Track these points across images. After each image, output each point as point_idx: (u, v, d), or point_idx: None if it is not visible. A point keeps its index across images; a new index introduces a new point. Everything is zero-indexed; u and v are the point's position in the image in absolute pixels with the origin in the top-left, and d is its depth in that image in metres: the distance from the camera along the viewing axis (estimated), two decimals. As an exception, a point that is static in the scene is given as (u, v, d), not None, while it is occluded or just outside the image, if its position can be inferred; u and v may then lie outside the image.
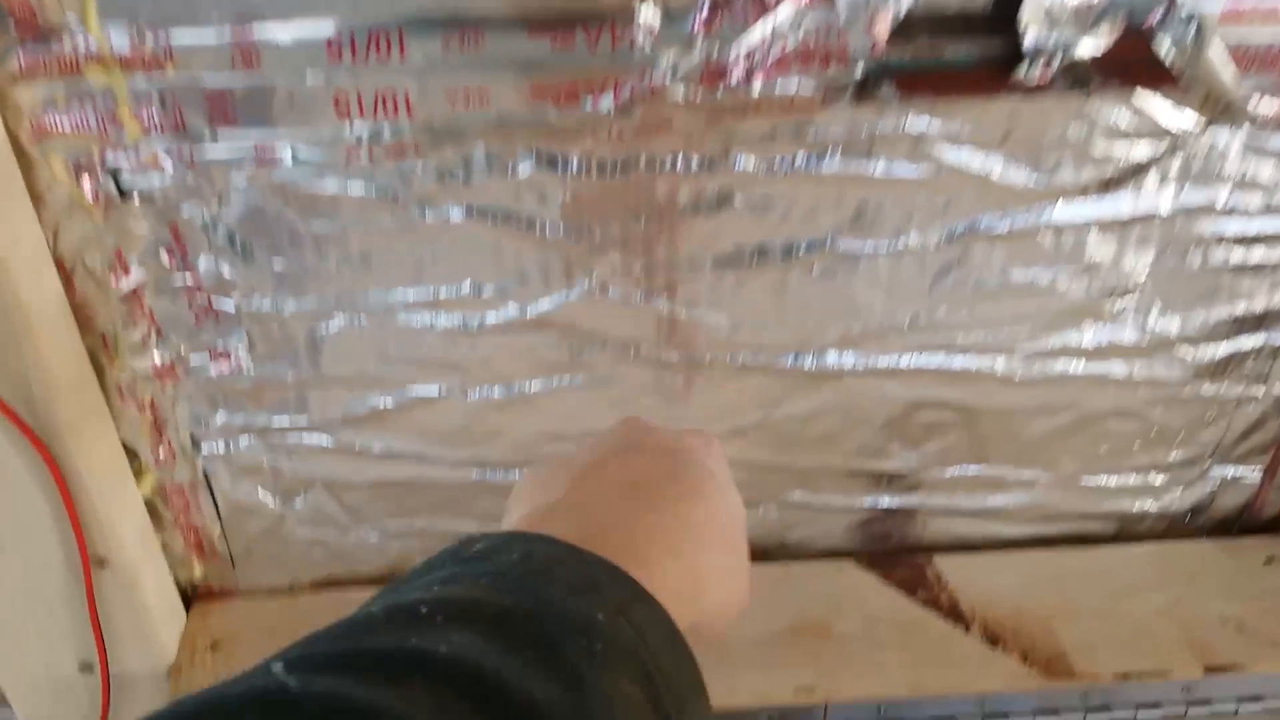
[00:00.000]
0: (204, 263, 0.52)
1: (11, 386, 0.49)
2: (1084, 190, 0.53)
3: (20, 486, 0.52)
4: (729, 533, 0.36)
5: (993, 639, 0.63)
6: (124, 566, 0.57)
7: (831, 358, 0.58)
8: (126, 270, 0.52)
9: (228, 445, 0.60)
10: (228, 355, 0.56)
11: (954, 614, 0.64)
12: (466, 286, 0.54)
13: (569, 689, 0.24)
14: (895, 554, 0.69)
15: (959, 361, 0.59)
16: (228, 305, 0.54)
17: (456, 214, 0.51)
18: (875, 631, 0.64)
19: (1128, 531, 0.69)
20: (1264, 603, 0.65)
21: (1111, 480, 0.66)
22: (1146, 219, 0.54)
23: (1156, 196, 0.53)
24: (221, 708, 0.22)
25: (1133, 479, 0.66)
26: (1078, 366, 0.60)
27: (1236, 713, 0.62)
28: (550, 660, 0.25)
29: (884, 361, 0.58)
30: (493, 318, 0.55)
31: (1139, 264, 0.56)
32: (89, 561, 0.56)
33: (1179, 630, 0.63)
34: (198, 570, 0.66)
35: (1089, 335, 0.58)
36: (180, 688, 0.62)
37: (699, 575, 0.33)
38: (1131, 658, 0.62)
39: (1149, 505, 0.68)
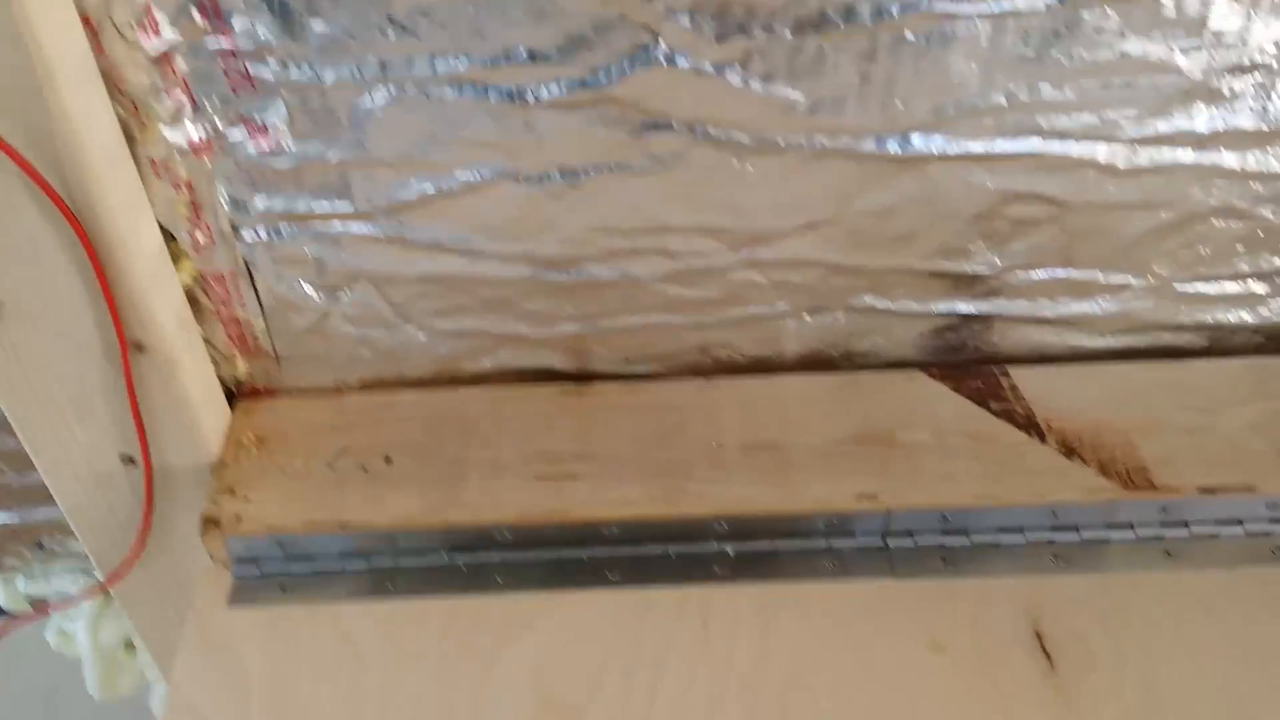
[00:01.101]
0: (239, 22, 0.48)
1: (39, 151, 0.46)
2: (1216, -54, 0.47)
3: (53, 261, 0.50)
4: None
5: (1069, 451, 0.60)
6: (163, 353, 0.55)
7: (918, 141, 0.53)
8: (156, 29, 0.47)
9: (269, 232, 0.57)
10: (266, 130, 0.52)
11: (1029, 426, 0.61)
12: (522, 52, 0.49)
13: None
14: (969, 365, 0.65)
15: (1058, 147, 0.54)
16: (265, 73, 0.50)
17: (512, -36, 0.46)
18: (944, 441, 0.61)
19: (1220, 346, 0.65)
20: (1362, 420, 0.61)
21: (1208, 288, 0.61)
22: (1282, -17, 0.48)
23: (1297, -44, 0.47)
24: None
25: (1231, 287, 0.62)
26: (1186, 156, 0.54)
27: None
28: None
29: (976, 146, 0.53)
30: (548, 92, 0.51)
31: (1267, 36, 0.50)
32: (127, 346, 0.54)
33: (1270, 446, 0.60)
34: (241, 367, 0.64)
35: (1202, 119, 0.53)
36: (224, 484, 0.60)
37: None
38: (1216, 472, 0.58)
39: (1246, 317, 0.63)
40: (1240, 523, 0.58)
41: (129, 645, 0.83)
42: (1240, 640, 0.55)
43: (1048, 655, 0.54)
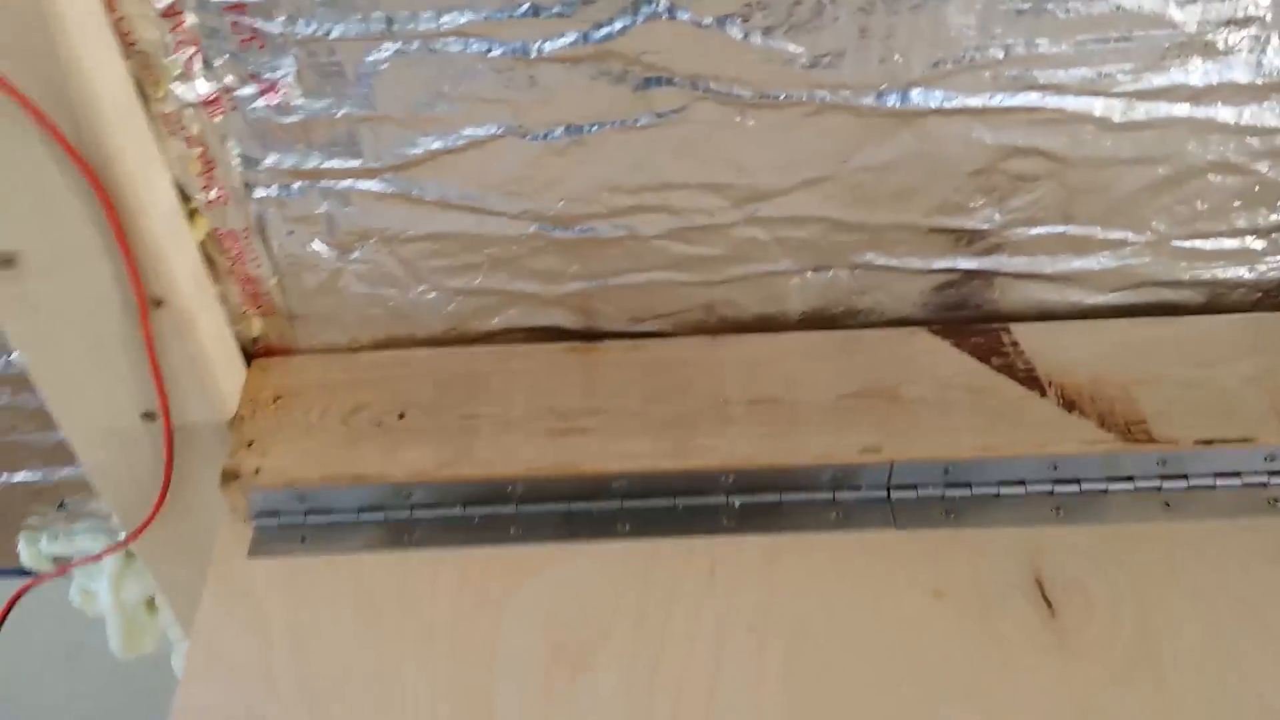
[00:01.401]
0: (247, -22, 0.49)
1: (54, 105, 0.47)
2: (1210, -104, 0.47)
3: (70, 214, 0.51)
4: None
5: (1069, 404, 0.61)
6: (181, 309, 0.57)
7: (917, 96, 0.54)
8: (166, -15, 0.49)
9: (280, 189, 0.58)
10: (275, 86, 0.53)
11: (1029, 380, 0.62)
12: (525, 5, 0.50)
13: None
14: (970, 322, 0.66)
15: (1055, 101, 0.54)
16: (273, 28, 0.51)
17: (515, -82, 0.47)
18: (946, 396, 0.62)
19: (1218, 302, 0.65)
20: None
21: (1205, 244, 0.62)
22: (1277, -66, 0.49)
23: (1291, -94, 0.48)
24: None
25: (1228, 243, 0.62)
26: (1181, 110, 0.55)
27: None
28: None
29: (974, 101, 0.54)
30: (551, 46, 0.52)
31: (1263, -12, 0.50)
32: (145, 301, 0.55)
33: (1268, 399, 0.60)
34: (256, 326, 0.65)
35: (1197, 74, 0.54)
36: (243, 438, 0.62)
37: None
38: (1214, 425, 0.59)
39: (1243, 273, 0.64)
40: (1237, 474, 0.59)
41: (151, 604, 0.85)
42: (1236, 588, 0.56)
43: (1048, 602, 0.55)
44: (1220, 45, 0.53)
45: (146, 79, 0.51)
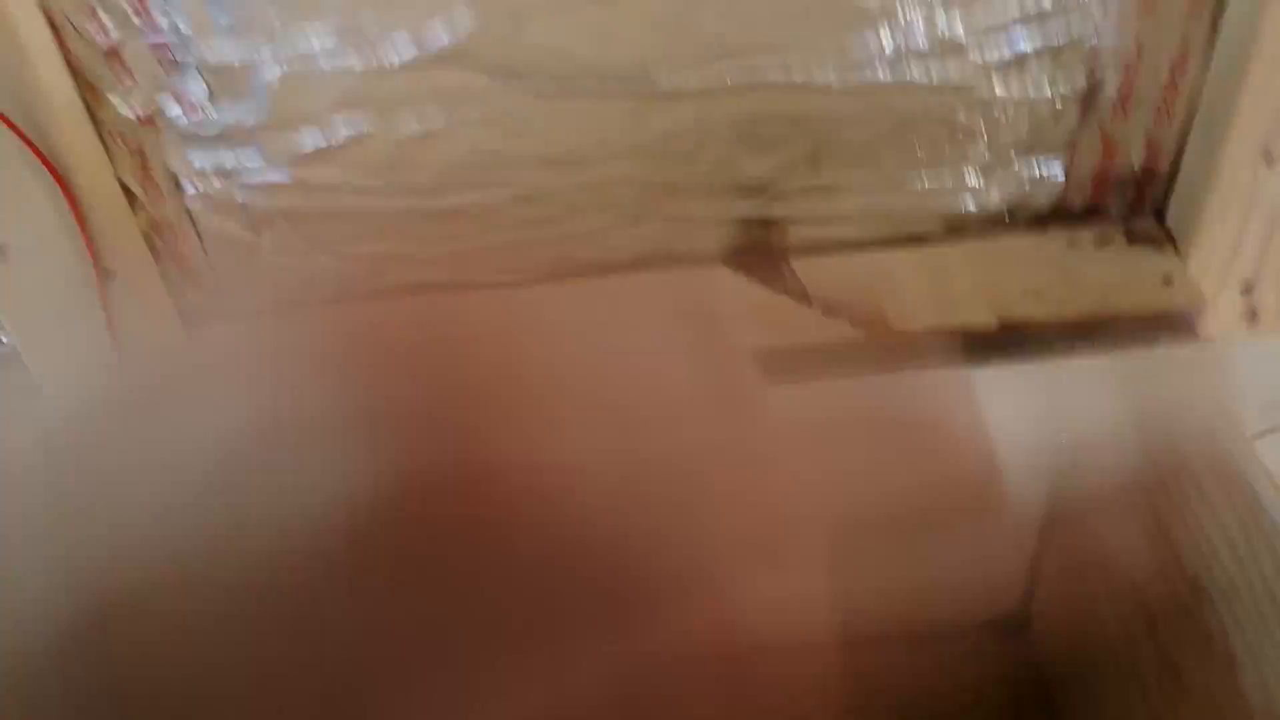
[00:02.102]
0: (162, 19, 0.66)
1: (24, 118, 0.64)
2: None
3: (36, 205, 0.68)
4: None
5: (830, 311, 0.78)
6: (130, 280, 0.73)
7: (674, 81, 0.72)
8: (105, 30, 0.66)
9: (203, 185, 0.75)
10: (193, 103, 0.70)
11: (802, 298, 0.79)
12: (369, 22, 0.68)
13: None
14: (760, 259, 0.83)
15: (779, 78, 0.72)
16: (188, 56, 0.68)
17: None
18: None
19: (955, 231, 0.83)
20: (1059, 276, 0.79)
21: (931, 181, 0.80)
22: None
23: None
24: None
25: (949, 180, 0.80)
26: (883, 73, 0.73)
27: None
28: None
29: (719, 83, 0.72)
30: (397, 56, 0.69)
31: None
32: (100, 271, 0.72)
33: (984, 300, 0.78)
34: (192, 295, 0.81)
35: (885, 40, 0.71)
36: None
37: None
38: (941, 319, 0.76)
39: (969, 204, 0.81)
40: (962, 356, 0.76)
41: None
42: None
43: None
44: (900, 18, 0.70)
45: (91, 99, 0.68)
